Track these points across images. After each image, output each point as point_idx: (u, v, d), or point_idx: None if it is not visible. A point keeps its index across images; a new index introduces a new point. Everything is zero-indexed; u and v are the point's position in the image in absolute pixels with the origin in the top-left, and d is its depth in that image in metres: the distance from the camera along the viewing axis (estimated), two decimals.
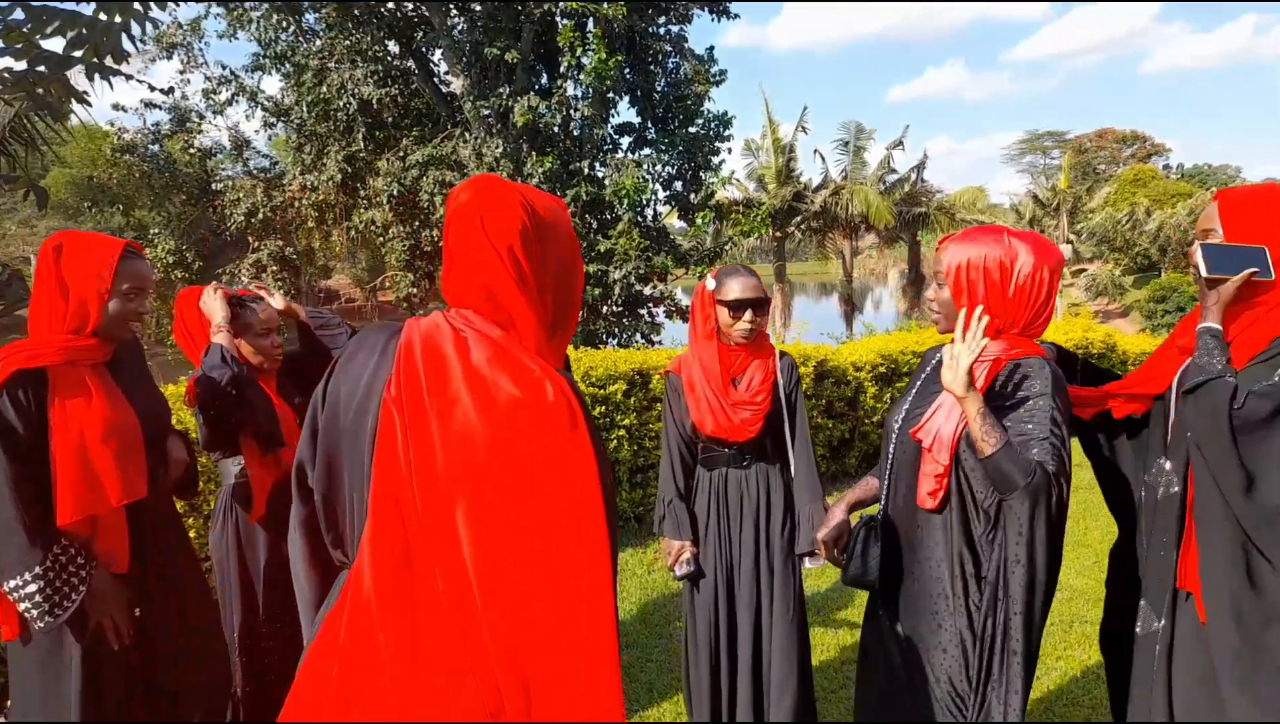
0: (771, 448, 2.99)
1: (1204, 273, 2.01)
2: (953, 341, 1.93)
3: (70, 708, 2.14)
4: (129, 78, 8.12)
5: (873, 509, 2.24)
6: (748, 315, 2.83)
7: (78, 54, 7.12)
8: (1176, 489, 2.05)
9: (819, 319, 25.29)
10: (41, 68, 6.91)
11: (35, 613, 2.05)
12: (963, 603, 1.91)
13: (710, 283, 2.91)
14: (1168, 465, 2.08)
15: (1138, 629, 2.10)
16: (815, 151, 34.87)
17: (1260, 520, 1.87)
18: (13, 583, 2.04)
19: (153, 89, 12.16)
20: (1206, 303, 2.03)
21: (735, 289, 2.84)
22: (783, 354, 3.02)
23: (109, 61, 7.57)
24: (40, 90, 7.07)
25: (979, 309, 1.90)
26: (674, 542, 2.94)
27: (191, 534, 4.16)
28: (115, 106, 12.42)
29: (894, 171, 30.61)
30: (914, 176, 30.82)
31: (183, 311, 2.80)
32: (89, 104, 7.56)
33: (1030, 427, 1.86)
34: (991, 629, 1.87)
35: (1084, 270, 36.94)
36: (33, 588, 2.03)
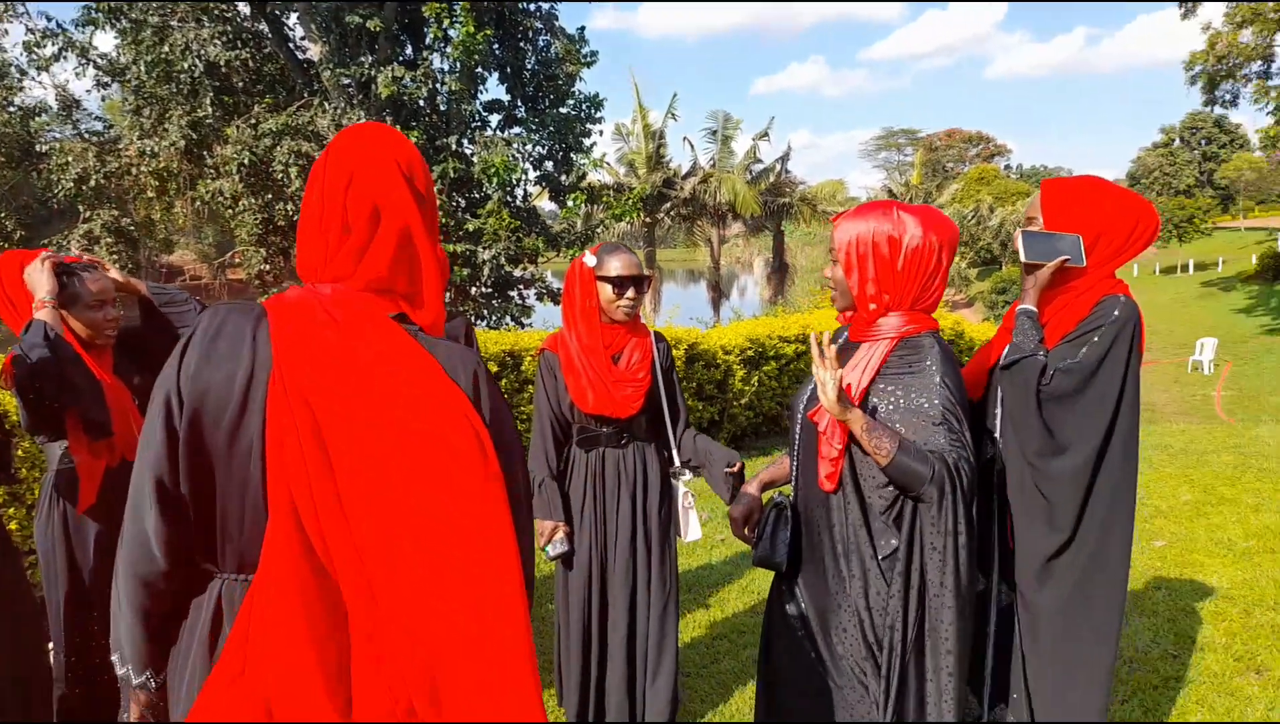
0: (648, 427, 2.96)
1: (1022, 258, 2.20)
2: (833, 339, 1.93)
3: None
4: None
5: (788, 489, 2.22)
6: (630, 292, 2.81)
7: None
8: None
9: (687, 305, 25.68)
10: None
11: None
12: (860, 584, 1.90)
13: (590, 260, 2.85)
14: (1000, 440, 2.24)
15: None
16: (685, 139, 35.42)
17: (1057, 486, 2.10)
18: None
19: None
20: (1025, 286, 2.23)
21: (617, 266, 2.80)
22: (658, 335, 3.02)
23: None
24: None
25: (825, 335, 1.88)
26: (545, 522, 2.86)
27: (14, 527, 3.76)
28: None
29: (760, 162, 31.39)
30: (779, 167, 31.69)
31: (4, 279, 2.50)
32: None
33: (925, 404, 1.86)
34: (904, 617, 1.84)
35: None
36: None
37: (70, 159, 11.25)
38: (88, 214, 11.33)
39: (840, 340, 2.10)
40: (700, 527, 2.99)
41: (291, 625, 1.13)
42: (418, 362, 1.22)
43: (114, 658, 1.35)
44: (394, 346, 1.23)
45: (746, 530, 2.17)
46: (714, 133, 31.09)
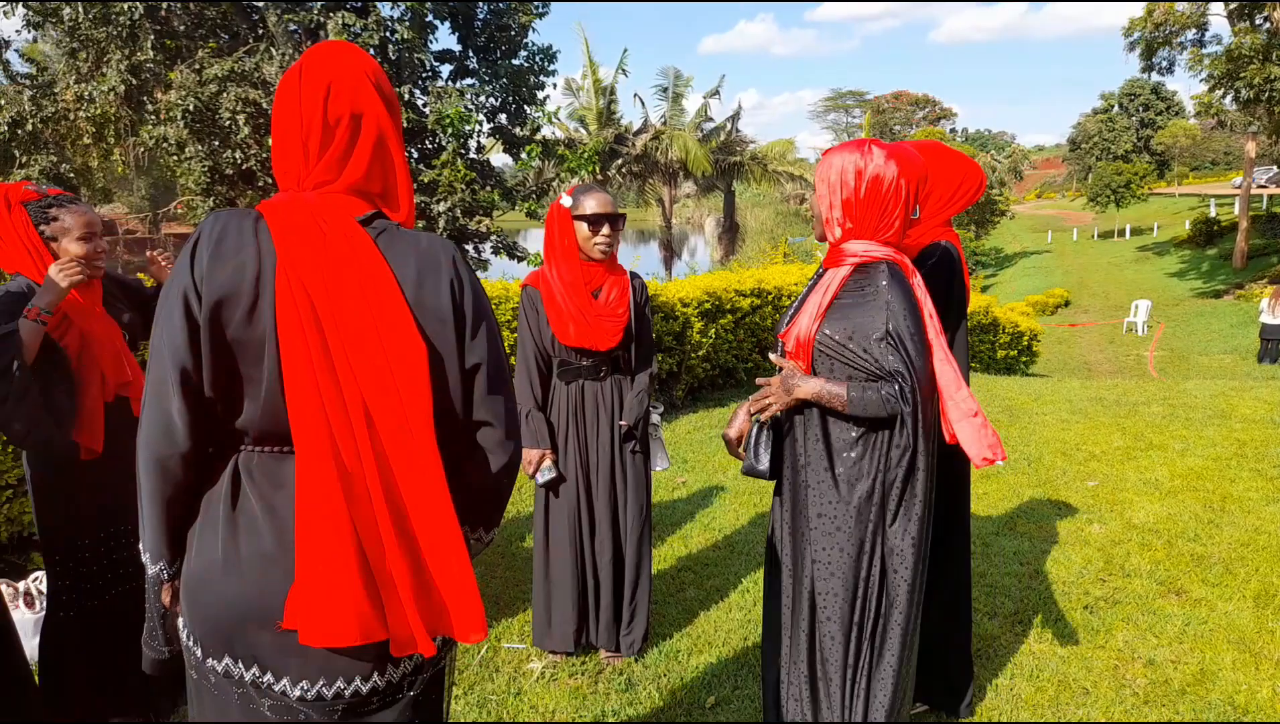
0: (625, 360, 3.09)
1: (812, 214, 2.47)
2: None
3: None
4: None
5: None
6: (605, 230, 2.92)
7: None
8: None
9: (640, 265, 25.69)
10: None
11: None
12: (817, 493, 2.09)
13: (566, 200, 2.95)
14: None
15: None
16: (635, 95, 35.06)
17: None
18: None
19: None
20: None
21: (592, 205, 2.91)
22: (634, 274, 3.13)
23: None
24: None
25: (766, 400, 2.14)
26: (533, 450, 2.99)
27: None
28: None
29: (711, 120, 31.34)
30: (729, 126, 31.68)
31: None
32: None
33: (870, 325, 2.01)
34: (874, 533, 2.04)
35: None
36: None
37: (3, 102, 10.81)
38: (24, 159, 10.93)
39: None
40: (668, 456, 3.15)
41: (324, 474, 1.32)
42: (375, 260, 1.37)
43: (144, 558, 1.46)
44: (363, 245, 1.37)
45: (741, 449, 2.32)
46: (665, 90, 30.92)
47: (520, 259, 12.53)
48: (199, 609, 1.41)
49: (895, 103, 65.10)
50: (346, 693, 1.40)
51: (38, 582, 3.55)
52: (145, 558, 1.46)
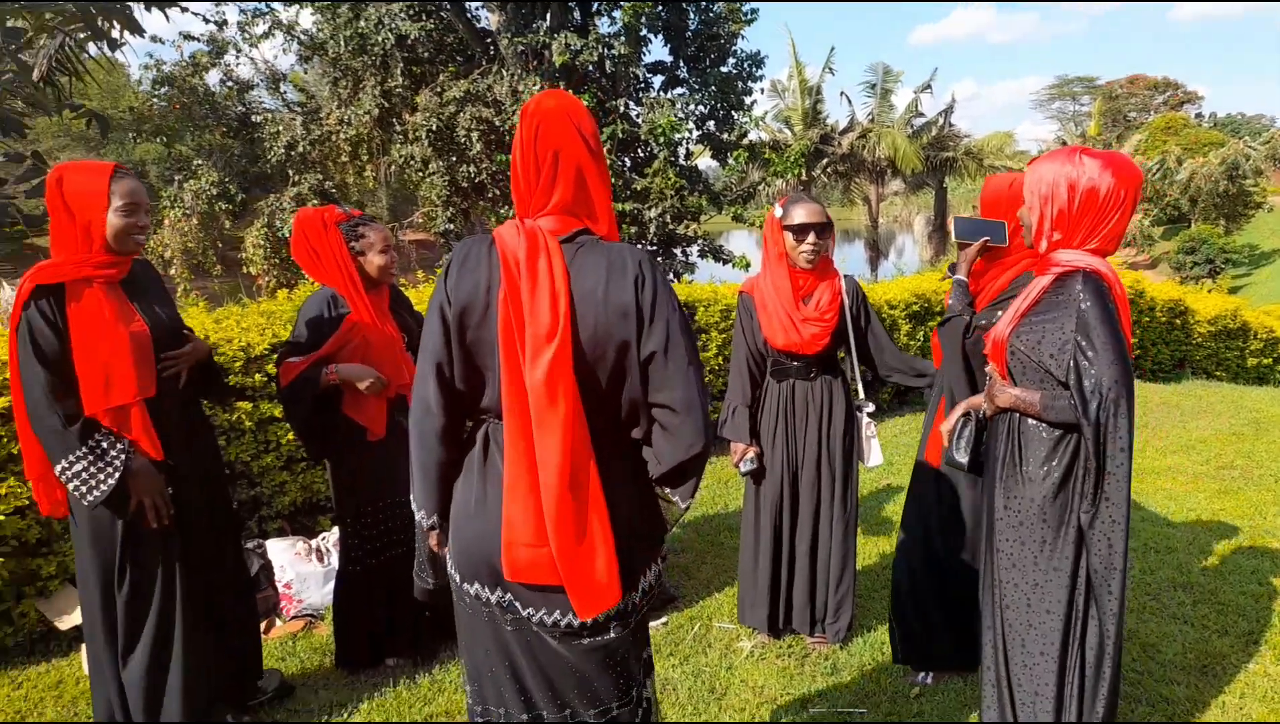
0: (834, 361, 3.28)
1: (954, 239, 2.77)
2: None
3: (114, 576, 2.52)
4: (184, 9, 8.25)
5: None
6: (810, 238, 3.10)
7: None
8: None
9: (844, 265, 25.28)
10: None
11: (83, 490, 2.41)
12: (1017, 484, 2.19)
13: (778, 210, 3.17)
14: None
15: None
16: (841, 94, 34.53)
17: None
18: (60, 466, 2.39)
19: (207, 21, 12.22)
20: (959, 260, 2.82)
21: (799, 214, 3.10)
22: (847, 276, 3.29)
23: None
24: (101, 21, 7.26)
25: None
26: (738, 443, 3.25)
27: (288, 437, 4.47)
28: (153, 39, 12.52)
29: (921, 115, 30.27)
30: (941, 120, 30.46)
31: (307, 233, 3.04)
32: (144, 35, 7.72)
33: (1057, 332, 2.07)
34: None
35: None
36: (78, 467, 2.39)
37: (280, 128, 12.44)
38: (296, 178, 12.52)
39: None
40: (881, 453, 3.29)
41: (518, 436, 1.68)
42: (561, 273, 1.69)
43: (415, 509, 1.87)
44: (555, 261, 1.69)
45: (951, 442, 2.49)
46: (873, 86, 30.21)
47: (726, 261, 12.82)
48: (457, 543, 1.81)
49: (1130, 88, 59.62)
50: (562, 623, 1.73)
51: (325, 540, 4.19)
52: (416, 510, 1.87)
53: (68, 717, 3.04)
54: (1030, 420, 2.17)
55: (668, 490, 1.82)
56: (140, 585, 2.54)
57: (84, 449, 2.38)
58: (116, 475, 2.42)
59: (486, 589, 1.78)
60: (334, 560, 3.99)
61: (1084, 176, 2.08)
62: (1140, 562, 4.17)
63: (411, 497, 1.87)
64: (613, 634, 1.79)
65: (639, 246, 11.14)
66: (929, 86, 29.57)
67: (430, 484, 1.82)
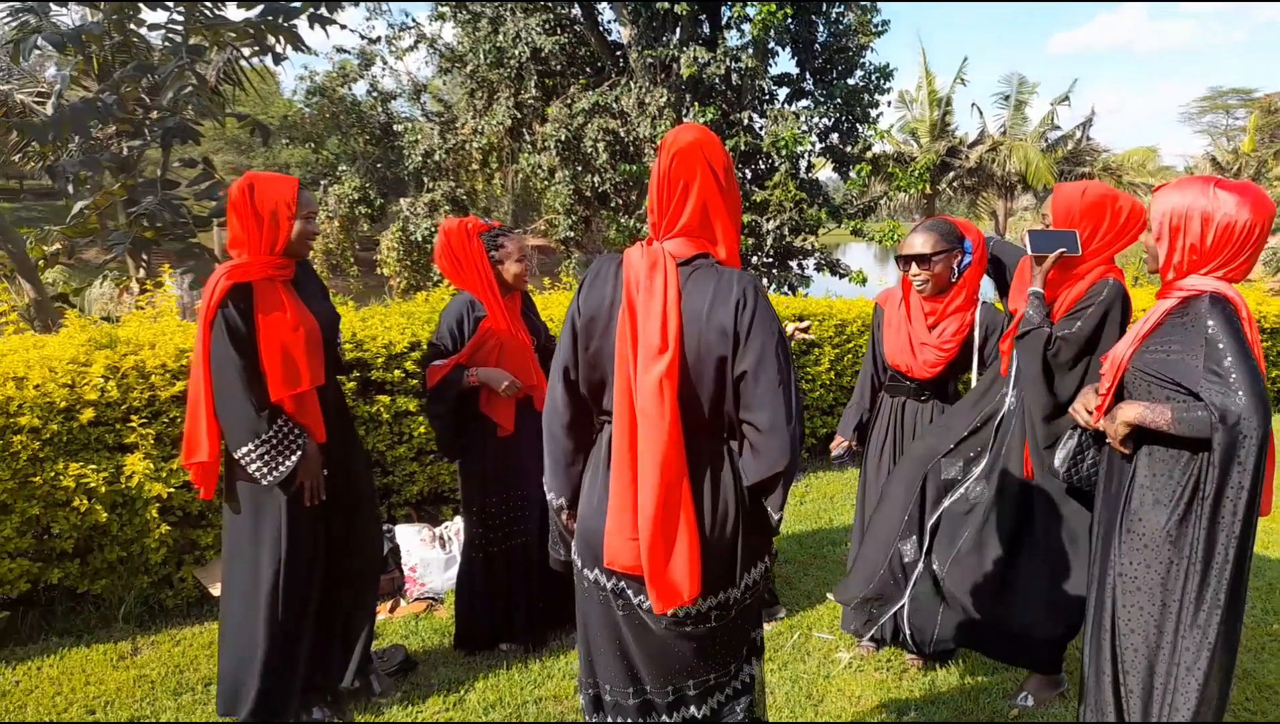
0: (952, 391, 3.31)
1: (1029, 251, 2.77)
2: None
3: (274, 544, 2.78)
4: (343, 27, 8.88)
5: None
6: (913, 269, 3.14)
7: (299, 4, 7.92)
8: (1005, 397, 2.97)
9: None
10: (271, 16, 7.72)
11: (265, 470, 2.69)
12: (1140, 505, 2.20)
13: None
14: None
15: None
16: (973, 105, 33.52)
17: (1046, 440, 2.74)
18: (244, 450, 2.67)
19: (365, 39, 13.09)
20: (1034, 271, 2.80)
21: (906, 245, 3.17)
22: (986, 304, 3.26)
23: (323, 11, 8.33)
24: (270, 37, 7.91)
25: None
26: (840, 436, 3.43)
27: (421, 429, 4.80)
28: (339, 50, 13.51)
29: (1057, 128, 29.07)
30: (1079, 134, 29.18)
31: (450, 240, 3.31)
32: (308, 50, 8.34)
33: (1185, 351, 2.06)
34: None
35: None
36: (261, 451, 2.67)
37: (419, 137, 13.14)
38: (430, 185, 13.19)
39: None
40: None
41: (624, 436, 1.87)
42: (674, 294, 1.85)
43: (546, 492, 2.10)
44: (671, 282, 1.85)
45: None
46: (1006, 97, 29.19)
47: (843, 276, 12.72)
48: (579, 532, 2.02)
49: None
50: (679, 611, 1.89)
51: (448, 529, 4.48)
52: (548, 492, 2.09)
53: (216, 675, 3.36)
54: (1149, 441, 2.15)
55: (763, 501, 1.95)
56: (295, 560, 2.82)
57: (270, 432, 2.68)
58: (296, 456, 2.72)
59: (602, 575, 1.97)
60: (455, 548, 4.26)
61: (1219, 211, 2.06)
62: (1262, 602, 4.01)
63: (544, 481, 2.10)
64: (714, 623, 1.94)
65: (754, 260, 11.23)
66: (1067, 98, 28.37)
67: (559, 470, 2.05)
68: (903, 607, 3.08)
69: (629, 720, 2.02)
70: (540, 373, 3.47)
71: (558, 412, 2.00)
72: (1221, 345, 2.01)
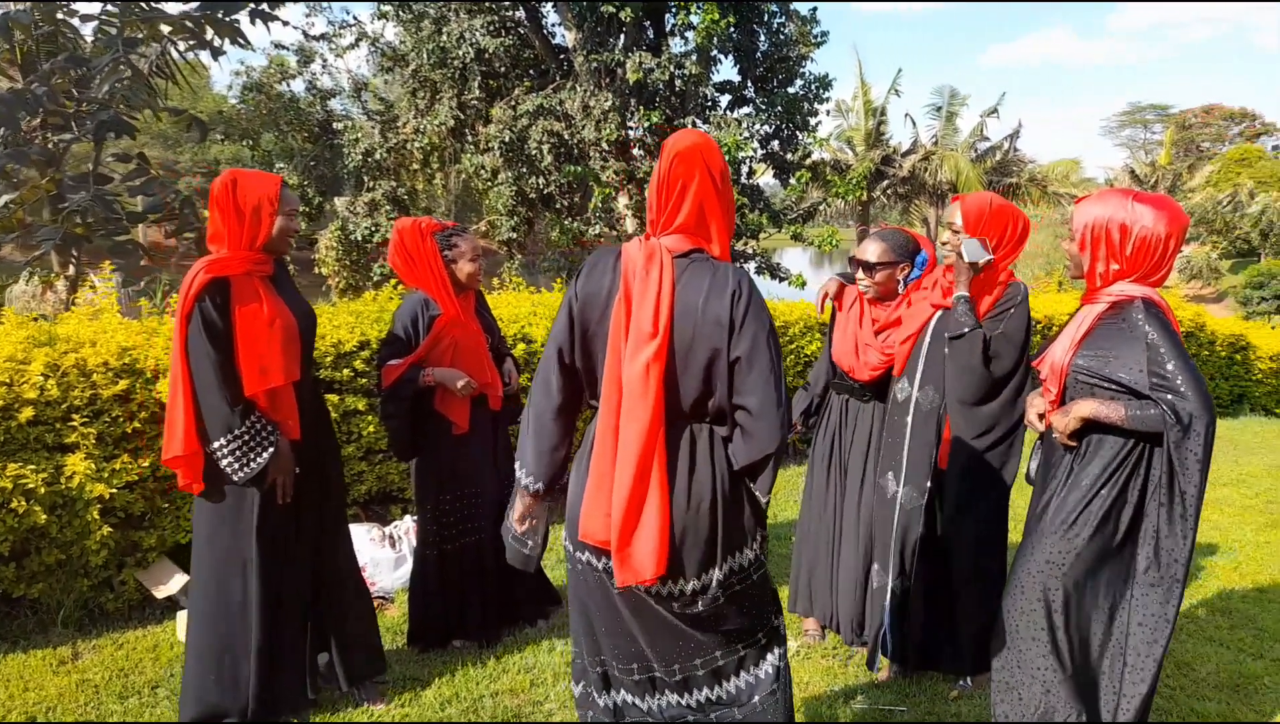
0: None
1: (966, 259, 2.94)
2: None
3: (248, 540, 2.75)
4: (286, 23, 8.73)
5: None
6: (859, 273, 3.29)
7: None
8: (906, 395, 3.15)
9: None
10: (211, 10, 7.53)
11: (236, 466, 2.68)
12: (1068, 494, 2.33)
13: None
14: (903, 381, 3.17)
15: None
16: (906, 115, 34.36)
17: (976, 427, 2.99)
18: (215, 444, 2.66)
19: (307, 36, 12.86)
20: (959, 277, 2.97)
21: (858, 248, 3.32)
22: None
23: (264, 7, 8.17)
24: (210, 31, 7.73)
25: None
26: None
27: (369, 428, 4.77)
28: (277, 45, 13.24)
29: (986, 139, 30.00)
30: (1007, 145, 30.15)
31: (404, 240, 3.31)
32: (250, 46, 8.18)
33: (1125, 354, 2.18)
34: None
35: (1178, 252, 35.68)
36: (235, 445, 2.66)
37: (359, 135, 12.96)
38: (370, 184, 13.02)
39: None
40: None
41: (609, 417, 1.96)
42: (669, 285, 1.94)
43: (517, 467, 2.15)
44: (666, 274, 1.94)
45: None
46: (938, 109, 30.04)
47: (783, 279, 12.96)
48: (570, 513, 2.08)
49: (1205, 117, 58.03)
50: (663, 590, 1.99)
51: (397, 528, 4.46)
52: (521, 471, 2.13)
53: (164, 678, 3.32)
54: (1096, 436, 2.27)
55: (752, 485, 2.04)
56: (268, 557, 2.79)
57: (243, 427, 2.66)
58: (268, 452, 2.71)
59: (593, 556, 2.05)
60: (405, 547, 4.25)
61: (1137, 223, 2.20)
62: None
63: (519, 459, 2.14)
64: (700, 607, 2.02)
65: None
66: (995, 111, 29.35)
67: (541, 453, 2.10)
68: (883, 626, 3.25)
69: (634, 699, 2.09)
70: (495, 371, 3.50)
71: (550, 394, 2.07)
72: (1163, 350, 2.14)
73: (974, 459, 3.01)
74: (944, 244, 3.11)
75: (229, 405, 2.64)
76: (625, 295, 1.95)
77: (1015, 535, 2.76)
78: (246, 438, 2.68)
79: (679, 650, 2.05)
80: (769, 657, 2.13)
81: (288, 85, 13.15)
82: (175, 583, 3.92)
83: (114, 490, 3.65)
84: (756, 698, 2.10)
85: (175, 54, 7.98)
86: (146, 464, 3.78)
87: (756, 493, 2.03)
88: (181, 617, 3.63)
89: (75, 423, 3.60)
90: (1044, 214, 32.62)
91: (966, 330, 2.91)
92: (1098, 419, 2.22)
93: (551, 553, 4.52)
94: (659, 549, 1.89)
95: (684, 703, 2.09)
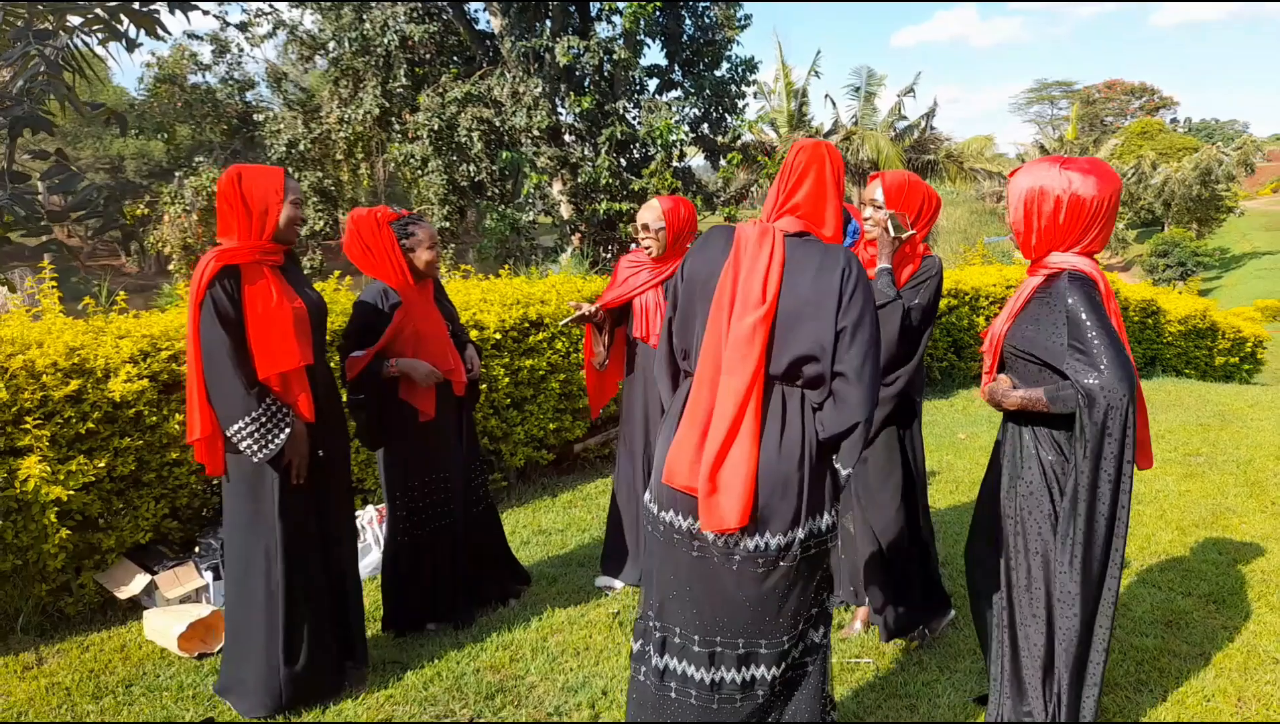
0: None
1: (892, 234, 3.06)
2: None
3: (271, 521, 2.85)
4: (206, 13, 8.44)
5: None
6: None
7: None
8: None
9: None
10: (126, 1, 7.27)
11: (255, 447, 2.74)
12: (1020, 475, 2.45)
13: None
14: None
15: None
16: (826, 96, 34.98)
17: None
18: (235, 427, 2.72)
19: (225, 25, 12.45)
20: (882, 250, 3.08)
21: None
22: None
23: None
24: (126, 22, 7.46)
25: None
26: None
27: None
28: (190, 35, 12.79)
29: (904, 118, 30.65)
30: (924, 124, 30.92)
31: (361, 231, 3.31)
32: (165, 37, 7.88)
33: (1050, 328, 2.25)
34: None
35: None
36: (251, 428, 2.73)
37: (281, 126, 12.66)
38: (296, 175, 12.73)
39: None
40: None
41: (708, 373, 2.12)
42: (779, 261, 2.10)
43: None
44: (776, 251, 2.10)
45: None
46: (857, 89, 30.61)
47: None
48: (656, 479, 2.21)
49: (1107, 93, 60.55)
50: (738, 548, 2.07)
51: (361, 517, 4.46)
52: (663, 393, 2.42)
53: (137, 676, 3.30)
54: (1038, 422, 2.35)
55: (834, 460, 2.15)
56: (292, 535, 2.88)
57: (260, 409, 2.72)
58: (286, 432, 2.78)
59: (680, 517, 2.13)
60: (369, 536, 4.26)
61: (1069, 190, 2.21)
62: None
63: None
64: (783, 566, 2.07)
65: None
66: (912, 90, 30.02)
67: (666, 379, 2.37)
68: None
69: (691, 669, 2.14)
70: (458, 357, 3.53)
71: (664, 365, 2.35)
72: (1083, 320, 2.15)
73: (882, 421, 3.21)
74: (867, 219, 3.24)
75: (245, 388, 2.70)
76: (734, 265, 2.10)
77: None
78: (264, 420, 2.74)
79: (748, 625, 2.10)
80: (813, 633, 2.21)
81: (203, 76, 12.75)
82: (137, 583, 3.86)
83: (71, 492, 3.57)
84: (805, 674, 2.20)
85: (82, 45, 7.66)
86: (102, 464, 3.71)
87: (838, 466, 2.15)
88: (148, 616, 3.60)
89: (28, 425, 3.51)
90: (960, 190, 33.70)
91: (889, 301, 3.06)
92: (1026, 408, 2.31)
93: (524, 531, 4.59)
94: (745, 498, 1.99)
95: (737, 679, 2.13)
